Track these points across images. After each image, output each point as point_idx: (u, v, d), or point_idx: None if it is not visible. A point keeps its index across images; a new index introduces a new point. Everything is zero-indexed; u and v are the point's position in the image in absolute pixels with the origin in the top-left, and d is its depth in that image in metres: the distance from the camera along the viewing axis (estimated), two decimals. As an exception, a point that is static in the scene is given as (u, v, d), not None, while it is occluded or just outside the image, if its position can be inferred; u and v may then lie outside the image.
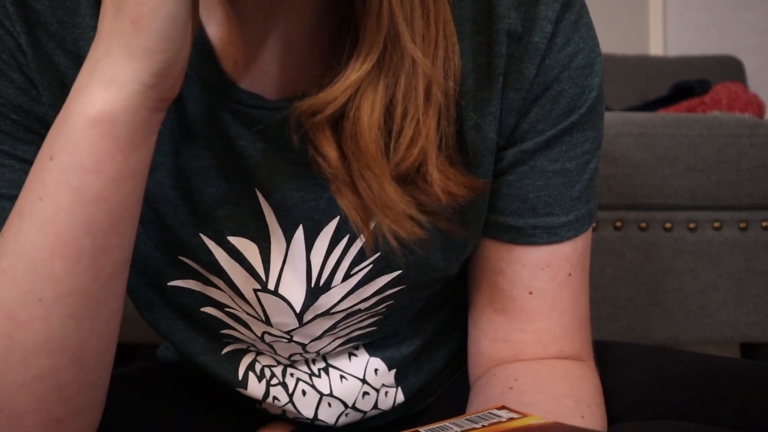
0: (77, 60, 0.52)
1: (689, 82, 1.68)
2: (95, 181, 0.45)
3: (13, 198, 0.49)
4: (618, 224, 1.24)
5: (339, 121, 0.49)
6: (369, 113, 0.48)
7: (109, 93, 0.44)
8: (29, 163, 0.48)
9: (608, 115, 1.26)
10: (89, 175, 0.45)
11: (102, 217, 0.46)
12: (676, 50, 2.83)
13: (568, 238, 0.60)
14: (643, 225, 1.24)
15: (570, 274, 0.60)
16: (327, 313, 0.60)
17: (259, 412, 0.69)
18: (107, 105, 0.44)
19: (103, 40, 0.44)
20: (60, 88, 0.53)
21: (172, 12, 0.43)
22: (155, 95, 0.45)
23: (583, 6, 0.57)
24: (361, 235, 0.55)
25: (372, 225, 0.53)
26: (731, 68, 2.42)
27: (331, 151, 0.50)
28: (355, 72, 0.48)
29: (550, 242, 0.59)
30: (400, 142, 0.50)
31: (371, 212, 0.51)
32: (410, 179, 0.51)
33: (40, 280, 0.46)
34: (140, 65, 0.44)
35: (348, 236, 0.57)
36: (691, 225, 1.24)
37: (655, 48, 2.87)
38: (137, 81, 0.44)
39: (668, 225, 1.24)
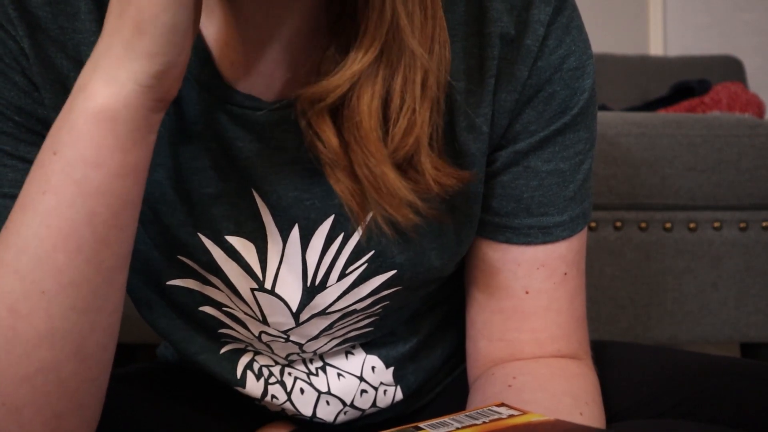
0: (79, 64, 0.53)
1: (689, 82, 1.68)
2: (96, 174, 0.46)
3: (15, 197, 0.50)
4: (618, 224, 1.24)
5: (339, 109, 0.50)
6: (368, 102, 0.49)
7: (109, 89, 0.45)
8: (32, 163, 0.49)
9: (608, 115, 1.26)
10: (91, 168, 0.46)
11: (103, 210, 0.46)
12: (676, 50, 2.83)
13: (563, 238, 0.60)
14: (643, 225, 1.24)
15: (566, 274, 0.61)
16: (323, 312, 0.60)
17: (258, 410, 0.69)
18: (108, 101, 0.45)
19: (105, 38, 0.45)
20: (62, 91, 0.53)
21: (172, 20, 0.44)
22: (153, 96, 0.46)
23: (575, 9, 0.58)
24: (359, 228, 0.56)
25: (368, 214, 0.53)
26: (731, 68, 2.42)
27: (331, 137, 0.50)
28: (357, 63, 0.49)
29: (545, 242, 0.60)
30: (395, 132, 0.50)
31: (367, 198, 0.51)
32: (402, 169, 0.51)
33: (42, 272, 0.46)
34: (139, 66, 0.45)
35: (342, 235, 0.57)
36: (691, 225, 1.24)
37: (655, 48, 2.87)
38: (136, 81, 0.45)
39: (668, 225, 1.24)
